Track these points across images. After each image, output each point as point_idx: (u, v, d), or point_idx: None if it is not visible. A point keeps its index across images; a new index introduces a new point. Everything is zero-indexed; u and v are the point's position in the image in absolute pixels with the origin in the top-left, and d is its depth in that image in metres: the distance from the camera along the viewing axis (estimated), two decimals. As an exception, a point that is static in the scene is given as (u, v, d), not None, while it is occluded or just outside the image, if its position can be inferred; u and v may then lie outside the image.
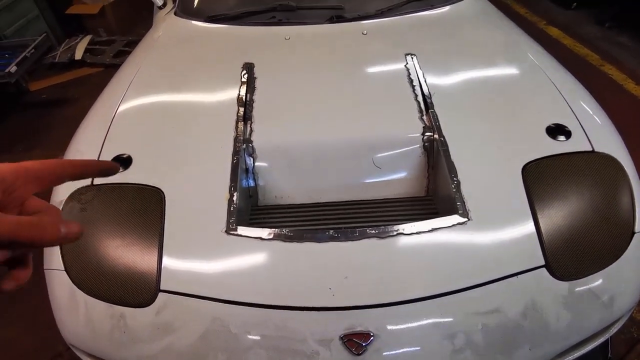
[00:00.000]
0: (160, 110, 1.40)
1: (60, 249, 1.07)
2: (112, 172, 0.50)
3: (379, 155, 1.26)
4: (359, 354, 0.91)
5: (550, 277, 0.98)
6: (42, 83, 3.66)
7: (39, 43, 3.23)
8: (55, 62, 3.81)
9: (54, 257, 1.06)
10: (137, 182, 1.15)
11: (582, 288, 0.99)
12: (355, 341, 0.92)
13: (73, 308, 1.02)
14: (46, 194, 1.22)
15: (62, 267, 1.04)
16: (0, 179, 0.38)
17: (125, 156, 1.21)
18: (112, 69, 3.65)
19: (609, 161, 1.15)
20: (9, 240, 0.35)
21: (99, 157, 1.22)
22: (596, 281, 1.00)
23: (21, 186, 0.40)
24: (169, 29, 1.88)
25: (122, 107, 1.39)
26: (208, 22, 1.82)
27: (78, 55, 3.83)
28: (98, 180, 1.16)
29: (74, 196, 1.14)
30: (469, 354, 0.92)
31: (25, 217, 0.39)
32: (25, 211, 0.42)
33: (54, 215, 0.43)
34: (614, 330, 1.11)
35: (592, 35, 3.74)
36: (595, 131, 1.22)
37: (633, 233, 1.06)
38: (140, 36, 2.02)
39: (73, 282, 1.02)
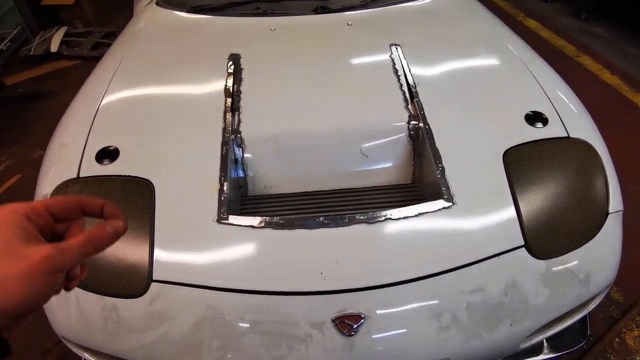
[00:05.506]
0: (145, 101, 1.38)
1: None
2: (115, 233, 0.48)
3: (366, 144, 1.29)
4: (350, 335, 0.94)
5: (530, 256, 1.03)
6: (17, 77, 3.53)
7: (14, 36, 3.13)
8: (30, 55, 3.67)
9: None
10: (125, 174, 1.14)
11: (559, 267, 1.04)
12: (347, 323, 0.95)
13: (64, 301, 1.01)
14: (31, 188, 1.20)
15: (52, 260, 1.03)
16: (39, 213, 0.44)
17: (112, 148, 1.20)
18: (90, 61, 3.54)
19: (584, 146, 1.21)
20: (82, 257, 0.44)
21: (84, 150, 1.20)
22: (572, 259, 1.05)
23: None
24: (151, 19, 1.85)
25: (106, 99, 1.37)
26: (192, 12, 1.80)
27: (54, 47, 3.71)
28: (84, 173, 1.15)
29: (59, 189, 1.12)
30: (454, 331, 0.96)
31: (83, 234, 0.45)
32: (56, 233, 0.47)
33: (81, 226, 0.49)
34: (591, 306, 1.16)
35: (569, 27, 3.84)
36: (571, 118, 1.28)
37: (607, 214, 1.12)
38: (118, 27, 1.99)
39: None
